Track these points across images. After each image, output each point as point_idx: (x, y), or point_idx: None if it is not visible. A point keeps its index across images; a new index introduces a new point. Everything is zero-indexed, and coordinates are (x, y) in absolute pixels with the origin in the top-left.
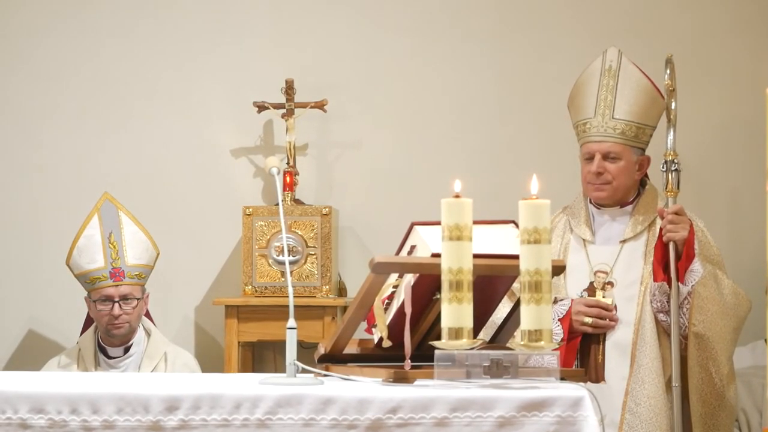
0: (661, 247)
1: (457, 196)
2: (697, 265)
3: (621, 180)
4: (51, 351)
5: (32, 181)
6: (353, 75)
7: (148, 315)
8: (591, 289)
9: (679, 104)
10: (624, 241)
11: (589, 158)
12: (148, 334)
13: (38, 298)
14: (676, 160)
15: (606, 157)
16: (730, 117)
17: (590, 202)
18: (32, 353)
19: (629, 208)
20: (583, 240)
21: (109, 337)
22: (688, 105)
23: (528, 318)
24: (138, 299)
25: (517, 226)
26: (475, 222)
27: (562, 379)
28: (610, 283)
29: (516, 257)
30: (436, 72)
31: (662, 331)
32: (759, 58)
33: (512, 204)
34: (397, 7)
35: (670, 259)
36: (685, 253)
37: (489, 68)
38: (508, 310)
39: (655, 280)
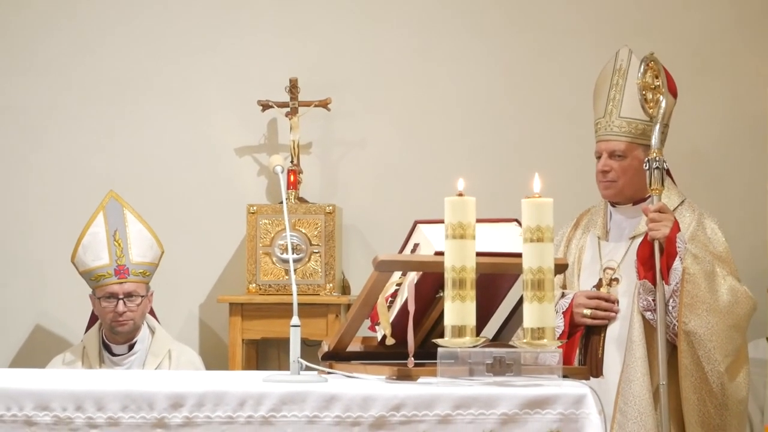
0: (645, 245)
1: (460, 195)
2: (677, 264)
3: (626, 177)
4: (58, 347)
5: (38, 179)
6: (357, 73)
7: (152, 313)
8: (599, 286)
9: (683, 102)
10: (633, 238)
11: (599, 157)
12: (153, 331)
13: (45, 295)
14: (658, 158)
15: (612, 155)
16: (734, 115)
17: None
18: (40, 349)
19: (643, 204)
20: (597, 237)
21: (113, 335)
22: (692, 103)
23: (530, 316)
24: (142, 297)
25: (519, 224)
26: (479, 220)
27: (565, 376)
28: (616, 279)
29: (519, 255)
30: (440, 70)
31: (652, 329)
32: (762, 57)
33: (515, 202)
34: (401, 6)
35: (656, 258)
36: (667, 250)
37: (493, 67)
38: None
39: (638, 278)
